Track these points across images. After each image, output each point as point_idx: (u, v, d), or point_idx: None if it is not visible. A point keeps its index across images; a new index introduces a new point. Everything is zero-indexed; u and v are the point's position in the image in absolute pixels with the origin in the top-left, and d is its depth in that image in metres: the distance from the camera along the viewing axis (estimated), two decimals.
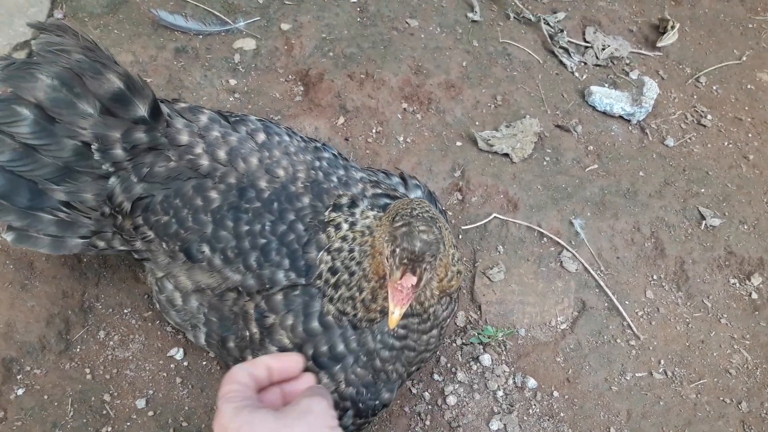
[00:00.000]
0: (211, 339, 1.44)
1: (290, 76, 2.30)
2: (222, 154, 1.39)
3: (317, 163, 1.47)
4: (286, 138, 1.50)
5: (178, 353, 1.65)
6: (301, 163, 1.44)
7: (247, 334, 1.35)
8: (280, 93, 2.24)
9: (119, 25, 2.23)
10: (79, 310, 1.69)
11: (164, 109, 1.42)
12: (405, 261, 1.12)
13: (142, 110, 1.36)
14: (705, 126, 2.39)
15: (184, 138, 1.39)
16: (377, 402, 1.38)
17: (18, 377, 1.55)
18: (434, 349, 1.45)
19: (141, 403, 1.57)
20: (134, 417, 1.55)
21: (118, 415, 1.55)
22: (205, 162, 1.38)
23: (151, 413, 1.56)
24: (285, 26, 2.38)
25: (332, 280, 1.29)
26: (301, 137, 1.55)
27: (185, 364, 1.65)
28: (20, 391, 1.53)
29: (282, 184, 1.38)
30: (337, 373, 1.33)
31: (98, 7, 2.25)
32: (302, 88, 2.28)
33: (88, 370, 1.60)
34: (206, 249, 1.35)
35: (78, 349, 1.63)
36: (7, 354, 1.55)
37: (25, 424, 1.48)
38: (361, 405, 1.36)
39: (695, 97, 2.51)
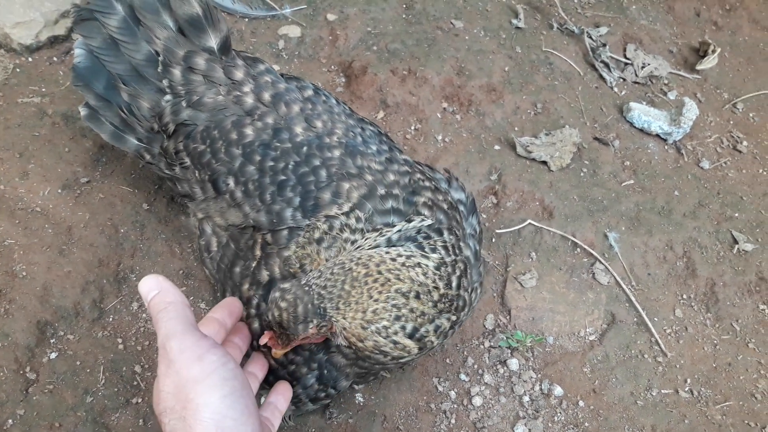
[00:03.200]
0: (222, 263, 1.44)
1: (333, 67, 2.30)
2: (267, 96, 1.43)
3: (358, 130, 1.47)
4: (333, 101, 1.54)
5: None
6: (342, 123, 1.46)
7: (252, 263, 1.36)
8: (322, 82, 2.24)
9: None
10: (114, 279, 1.68)
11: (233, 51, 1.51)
12: (265, 319, 1.18)
13: (212, 42, 1.46)
14: (740, 152, 2.39)
15: (238, 74, 1.45)
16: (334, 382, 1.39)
17: (51, 341, 1.54)
18: (406, 362, 1.33)
19: None
20: None
21: (149, 387, 1.54)
22: (249, 100, 1.43)
23: None
24: (331, 17, 2.38)
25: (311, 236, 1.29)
26: (348, 107, 1.57)
27: None
28: (53, 355, 1.52)
29: (317, 134, 1.40)
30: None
31: None
32: (344, 80, 2.28)
33: (120, 340, 1.60)
34: (231, 181, 1.38)
35: (111, 319, 1.63)
36: (42, 317, 1.55)
37: (57, 388, 1.48)
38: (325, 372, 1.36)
39: (731, 122, 2.51)
